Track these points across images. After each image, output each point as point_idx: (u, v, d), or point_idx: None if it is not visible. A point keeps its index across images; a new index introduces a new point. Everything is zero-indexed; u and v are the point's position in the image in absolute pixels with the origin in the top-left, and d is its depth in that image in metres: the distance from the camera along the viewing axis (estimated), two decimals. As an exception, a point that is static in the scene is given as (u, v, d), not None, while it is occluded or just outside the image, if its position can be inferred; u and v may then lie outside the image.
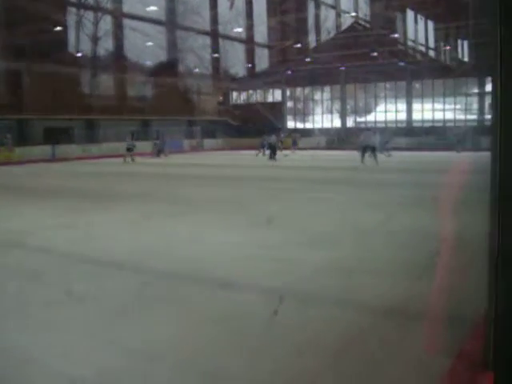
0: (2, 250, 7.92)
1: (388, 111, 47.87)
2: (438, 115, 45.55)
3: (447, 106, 45.42)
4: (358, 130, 42.79)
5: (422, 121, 45.98)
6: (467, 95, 45.04)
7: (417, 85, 47.02)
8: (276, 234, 8.35)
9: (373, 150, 23.78)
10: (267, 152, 31.04)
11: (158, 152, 35.20)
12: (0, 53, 36.01)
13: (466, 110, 45.01)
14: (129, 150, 29.88)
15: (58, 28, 36.81)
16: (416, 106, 46.49)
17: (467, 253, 6.37)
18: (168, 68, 48.25)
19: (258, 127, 48.37)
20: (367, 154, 23.67)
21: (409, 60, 47.06)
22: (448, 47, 53.79)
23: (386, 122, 47.39)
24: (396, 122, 46.95)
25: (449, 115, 45.36)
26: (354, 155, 25.15)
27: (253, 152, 34.41)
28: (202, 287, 5.81)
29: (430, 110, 45.81)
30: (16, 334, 4.49)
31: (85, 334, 4.47)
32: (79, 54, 41.49)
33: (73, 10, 41.35)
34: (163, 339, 4.30)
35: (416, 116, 46.57)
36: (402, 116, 47.14)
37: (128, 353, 4.09)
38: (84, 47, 41.97)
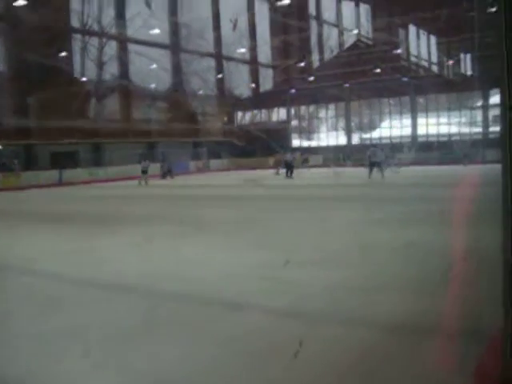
0: (11, 276, 7.91)
1: (393, 127, 47.90)
2: (443, 129, 45.57)
3: (452, 120, 45.43)
4: (364, 146, 42.91)
5: (427, 135, 45.98)
6: (472, 108, 45.06)
7: (421, 100, 47.08)
8: (282, 255, 8.31)
9: (379, 165, 24.73)
10: (282, 170, 31.46)
11: (164, 174, 35.31)
12: (7, 79, 36.40)
13: (471, 124, 45.00)
14: (144, 172, 29.82)
15: (64, 53, 37.09)
16: (421, 120, 46.51)
17: (480, 265, 6.33)
18: (173, 90, 48.56)
19: (263, 146, 48.59)
20: (375, 170, 24.40)
21: (412, 75, 47.20)
22: (451, 61, 54.01)
23: (391, 137, 47.42)
24: (401, 137, 46.96)
25: (454, 129, 45.37)
26: (361, 171, 25.41)
27: (259, 172, 34.47)
28: (209, 309, 5.78)
29: (435, 125, 45.81)
30: (28, 360, 4.48)
31: (96, 359, 4.44)
32: (84, 79, 41.80)
33: (78, 36, 41.76)
34: (171, 362, 4.27)
35: (421, 131, 46.58)
36: (408, 131, 47.14)
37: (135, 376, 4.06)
38: (89, 72, 42.30)
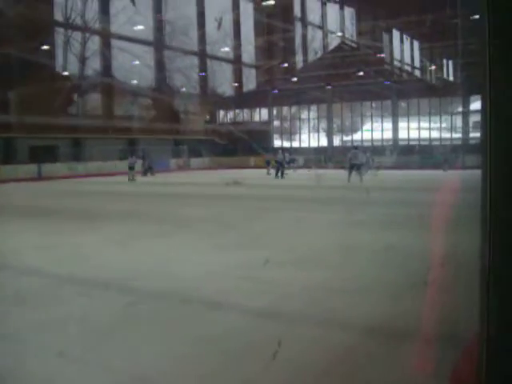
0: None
1: (374, 130, 48.15)
2: (424, 134, 45.92)
3: (433, 125, 45.79)
4: (345, 148, 43.12)
5: (408, 139, 46.29)
6: (452, 114, 45.45)
7: (403, 104, 47.41)
8: (262, 254, 8.32)
9: (358, 167, 24.56)
10: (272, 170, 31.66)
11: (145, 171, 35.15)
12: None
13: (452, 129, 45.40)
14: (131, 168, 30.02)
15: (46, 47, 36.77)
16: (402, 124, 46.83)
17: (457, 270, 6.38)
18: (155, 88, 48.40)
19: (245, 146, 48.62)
20: (354, 172, 24.36)
21: (394, 79, 47.51)
22: (433, 67, 54.42)
23: (372, 140, 47.70)
24: (382, 140, 47.26)
25: (435, 134, 45.73)
26: (342, 174, 25.46)
27: (243, 171, 34.45)
28: (187, 307, 5.76)
29: (416, 129, 46.13)
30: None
31: (72, 356, 4.41)
32: (66, 73, 41.50)
33: (61, 30, 41.45)
34: (149, 359, 4.25)
35: (402, 135, 46.89)
36: (388, 135, 47.43)
37: (114, 374, 4.04)
38: (71, 67, 42.03)
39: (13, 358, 4.39)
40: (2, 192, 24.52)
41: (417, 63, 58.37)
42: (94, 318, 5.36)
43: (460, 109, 45.32)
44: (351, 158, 25.39)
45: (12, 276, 7.40)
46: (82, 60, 42.51)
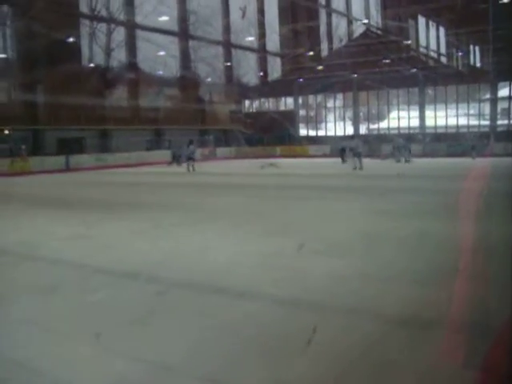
0: (16, 261, 7.92)
1: (401, 118, 47.68)
2: (452, 121, 45.31)
3: (460, 112, 45.17)
4: (375, 137, 42.96)
5: (436, 127, 45.75)
6: (481, 101, 44.77)
7: (429, 91, 46.82)
8: (294, 241, 8.32)
9: (359, 155, 25.60)
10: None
11: (174, 161, 34.69)
12: (15, 65, 36.43)
13: (480, 116, 44.73)
14: (190, 158, 29.12)
15: (72, 40, 36.99)
16: (429, 112, 46.27)
17: (487, 258, 6.30)
18: (181, 78, 48.50)
19: (270, 136, 48.55)
20: (350, 158, 25.15)
21: (421, 66, 46.91)
22: (461, 53, 53.67)
23: (399, 128, 47.25)
24: (409, 128, 46.78)
25: (462, 121, 45.11)
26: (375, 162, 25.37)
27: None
28: (215, 296, 5.77)
29: (443, 117, 45.55)
30: (28, 344, 4.49)
31: (98, 344, 4.45)
32: (92, 65, 41.77)
33: (86, 22, 41.68)
34: (178, 348, 4.27)
35: (429, 122, 46.34)
36: (415, 122, 46.93)
37: (142, 363, 4.06)
38: (97, 58, 42.28)
39: (43, 345, 4.44)
40: (31, 183, 24.82)
41: (443, 50, 57.62)
42: (122, 308, 5.40)
43: (488, 95, 44.60)
44: (353, 148, 26.33)
45: (42, 267, 7.48)
46: (108, 51, 42.72)
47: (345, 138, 42.15)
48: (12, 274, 7.02)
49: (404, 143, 31.08)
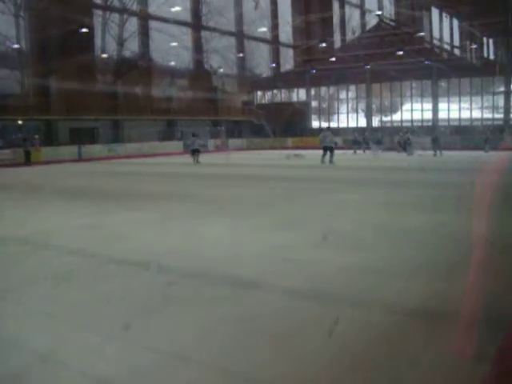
0: (30, 250, 7.98)
1: (414, 110, 47.46)
2: (465, 114, 45.04)
3: (474, 105, 44.88)
4: (390, 129, 42.80)
5: (448, 120, 45.50)
6: (494, 93, 44.44)
7: (443, 83, 46.52)
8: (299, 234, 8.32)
9: (331, 149, 24.33)
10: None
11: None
12: (29, 55, 36.57)
13: (494, 109, 44.43)
14: (195, 150, 28.26)
15: (85, 30, 37.10)
16: (442, 105, 46.01)
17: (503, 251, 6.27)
18: (193, 69, 48.52)
19: (282, 127, 48.48)
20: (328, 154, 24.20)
21: (435, 58, 46.60)
22: (474, 45, 53.30)
23: (412, 120, 47.07)
24: (422, 120, 46.58)
25: (476, 114, 44.83)
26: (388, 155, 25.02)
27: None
28: (226, 287, 5.79)
29: (456, 109, 45.27)
30: (44, 333, 4.52)
31: (112, 333, 4.48)
32: (105, 56, 41.85)
33: (99, 12, 41.72)
34: (188, 337, 4.29)
35: (442, 115, 46.08)
36: (428, 115, 46.69)
37: (154, 352, 4.09)
38: (110, 49, 42.35)
39: (56, 334, 4.47)
40: (43, 173, 24.95)
41: (457, 42, 57.26)
42: (134, 297, 5.43)
43: (502, 88, 44.25)
44: (322, 140, 24.79)
45: (55, 256, 7.52)
46: (120, 42, 42.78)
47: (358, 129, 42.36)
48: (29, 263, 7.07)
49: (434, 136, 30.70)
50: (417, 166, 23.63)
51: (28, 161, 30.03)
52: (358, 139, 37.66)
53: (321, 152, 24.89)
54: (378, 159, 29.12)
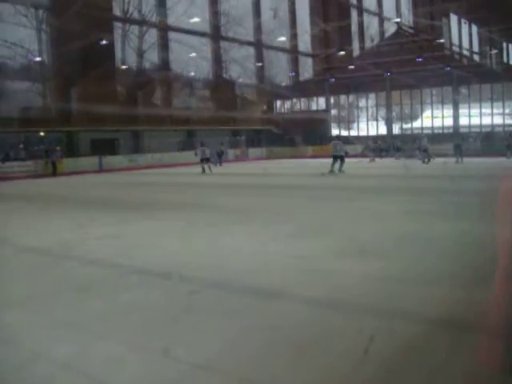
0: (52, 261, 8.03)
1: (435, 117, 47.17)
2: (486, 120, 44.66)
3: (495, 111, 44.48)
4: (408, 136, 42.60)
5: (469, 126, 45.14)
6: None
7: (463, 90, 46.21)
8: (324, 243, 8.28)
9: (341, 158, 24.27)
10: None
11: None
12: (50, 68, 36.99)
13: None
14: (204, 160, 28.14)
15: (105, 42, 37.44)
16: (463, 111, 45.68)
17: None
18: (212, 79, 48.71)
19: (301, 136, 48.43)
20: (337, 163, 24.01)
21: (454, 65, 46.33)
22: (494, 51, 52.92)
23: (432, 127, 46.80)
24: (443, 128, 46.28)
25: (497, 120, 44.43)
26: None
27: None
28: (248, 296, 5.76)
29: (477, 116, 44.91)
30: (66, 343, 4.53)
31: (134, 344, 4.47)
32: (125, 67, 42.18)
33: (119, 24, 42.09)
34: (212, 348, 4.27)
35: (463, 121, 45.72)
36: (449, 122, 46.35)
37: (177, 362, 4.07)
38: (130, 60, 42.69)
39: (78, 344, 4.48)
40: (65, 184, 25.16)
41: (476, 48, 56.91)
42: (156, 307, 5.43)
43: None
44: (333, 149, 24.67)
45: (77, 266, 7.56)
46: (140, 53, 43.11)
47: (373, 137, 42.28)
48: (51, 273, 7.11)
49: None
50: (440, 173, 23.48)
51: (54, 172, 30.53)
52: (371, 147, 37.68)
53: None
54: (394, 167, 29.10)
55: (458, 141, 32.28)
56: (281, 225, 10.54)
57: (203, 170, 27.74)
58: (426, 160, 30.30)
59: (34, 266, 7.71)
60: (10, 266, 7.76)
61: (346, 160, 25.05)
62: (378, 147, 38.38)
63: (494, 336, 4.37)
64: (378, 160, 35.55)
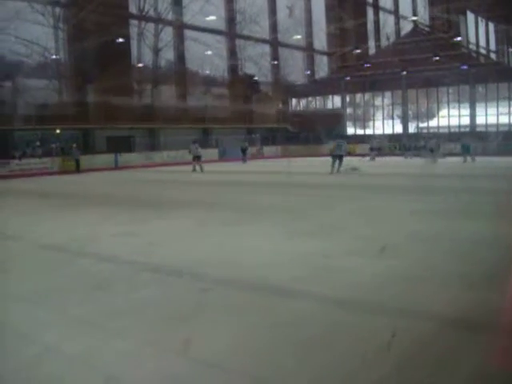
0: (70, 258, 8.09)
1: (451, 116, 46.84)
2: (504, 119, 44.27)
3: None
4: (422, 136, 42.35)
5: (486, 125, 44.77)
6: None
7: (480, 88, 45.86)
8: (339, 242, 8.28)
9: (340, 158, 24.00)
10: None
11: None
12: (67, 66, 37.19)
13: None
14: (196, 157, 28.40)
15: (121, 40, 37.58)
16: (480, 110, 45.31)
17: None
18: (228, 77, 48.74)
19: (316, 134, 48.28)
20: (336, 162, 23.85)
21: (471, 63, 45.98)
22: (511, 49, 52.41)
23: (449, 126, 46.49)
24: (459, 126, 45.95)
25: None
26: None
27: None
28: (261, 294, 5.78)
29: (494, 114, 44.53)
30: (81, 339, 4.58)
31: (147, 340, 4.51)
32: (141, 65, 42.31)
33: (135, 22, 42.21)
34: (222, 345, 4.30)
35: (480, 120, 45.37)
36: (466, 121, 46.02)
37: (187, 360, 4.10)
38: (146, 58, 42.80)
39: (92, 340, 4.52)
40: (81, 182, 25.31)
41: (493, 46, 56.37)
42: (169, 304, 5.46)
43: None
44: (335, 149, 24.16)
45: (91, 263, 7.63)
46: (156, 51, 43.22)
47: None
48: (66, 270, 7.17)
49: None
50: (449, 173, 23.39)
51: (78, 169, 30.78)
52: (376, 146, 37.51)
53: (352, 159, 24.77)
54: (394, 166, 29.26)
55: (465, 141, 32.16)
56: (293, 222, 10.53)
57: (193, 169, 27.75)
58: (431, 160, 30.25)
59: (49, 262, 7.77)
60: (30, 262, 7.84)
61: (347, 158, 25.12)
62: (378, 146, 38.33)
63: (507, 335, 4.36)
64: (377, 159, 35.43)
